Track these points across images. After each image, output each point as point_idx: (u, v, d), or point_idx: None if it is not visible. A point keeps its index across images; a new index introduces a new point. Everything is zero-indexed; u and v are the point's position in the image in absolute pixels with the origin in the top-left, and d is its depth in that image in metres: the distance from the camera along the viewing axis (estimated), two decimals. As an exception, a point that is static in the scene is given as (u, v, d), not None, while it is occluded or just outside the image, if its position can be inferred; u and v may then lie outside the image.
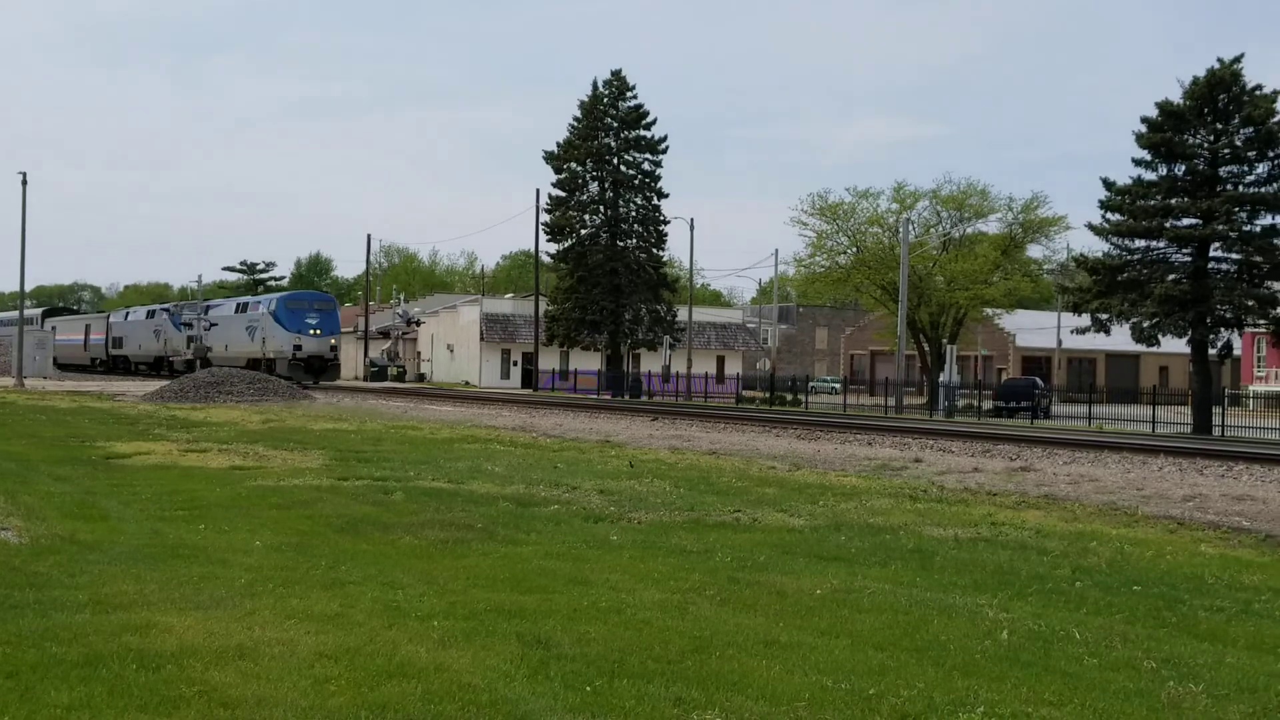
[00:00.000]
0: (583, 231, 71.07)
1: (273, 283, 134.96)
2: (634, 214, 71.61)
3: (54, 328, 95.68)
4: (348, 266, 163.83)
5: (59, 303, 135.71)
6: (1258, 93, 43.81)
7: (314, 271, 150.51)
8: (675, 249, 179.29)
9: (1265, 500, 16.51)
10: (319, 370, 60.94)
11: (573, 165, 71.15)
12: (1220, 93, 44.02)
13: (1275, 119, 43.33)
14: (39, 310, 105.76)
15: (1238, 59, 44.00)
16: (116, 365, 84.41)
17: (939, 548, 12.03)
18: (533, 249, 74.74)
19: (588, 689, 6.63)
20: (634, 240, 71.46)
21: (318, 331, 61.33)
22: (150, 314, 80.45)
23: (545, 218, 71.38)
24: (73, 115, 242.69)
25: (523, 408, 40.48)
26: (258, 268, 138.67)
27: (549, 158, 71.89)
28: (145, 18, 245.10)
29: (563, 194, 71.39)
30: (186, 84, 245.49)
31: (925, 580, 10.22)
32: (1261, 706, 6.69)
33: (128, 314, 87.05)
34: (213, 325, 70.11)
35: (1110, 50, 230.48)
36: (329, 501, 14.67)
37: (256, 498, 14.92)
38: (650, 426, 31.31)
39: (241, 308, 68.42)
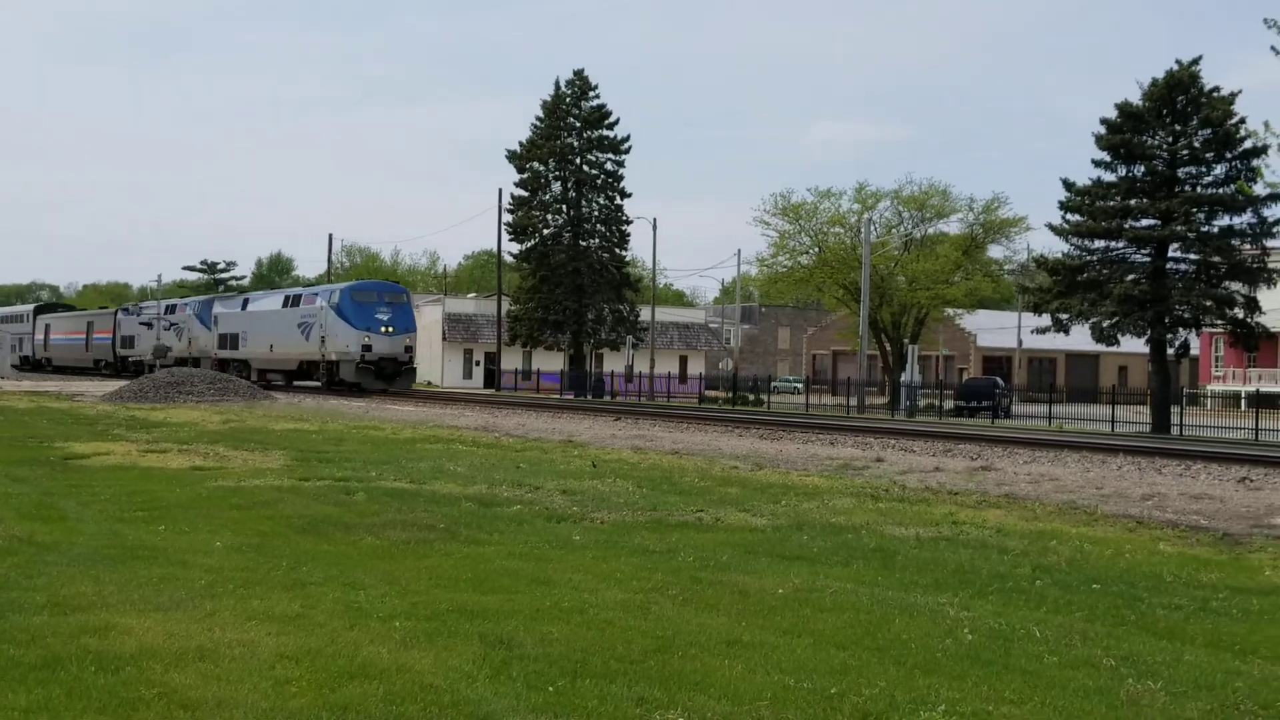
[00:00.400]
0: (545, 231, 71.00)
1: (234, 282, 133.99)
2: (597, 214, 71.62)
3: (47, 326, 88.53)
4: (309, 266, 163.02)
5: (16, 302, 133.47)
6: (1215, 94, 44.23)
7: (275, 271, 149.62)
8: (638, 249, 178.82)
9: (1223, 499, 16.66)
10: (391, 375, 51.27)
11: (535, 165, 71.08)
12: (1179, 94, 44.42)
13: (1232, 120, 43.75)
14: (29, 307, 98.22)
15: (1195, 61, 44.44)
16: (126, 367, 73.58)
17: (901, 547, 12.08)
18: (495, 248, 74.64)
19: (550, 689, 6.63)
20: (597, 240, 71.48)
21: (390, 329, 51.32)
22: (170, 309, 70.74)
23: (508, 217, 71.27)
24: (29, 112, 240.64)
25: (485, 408, 40.42)
26: (218, 267, 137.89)
27: (511, 157, 71.80)
28: (105, 14, 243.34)
29: (525, 194, 71.31)
30: (145, 82, 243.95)
31: (887, 579, 10.26)
32: (1219, 704, 6.75)
33: (141, 309, 75.83)
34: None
35: (1072, 51, 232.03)
36: (290, 502, 14.59)
37: (217, 498, 14.82)
38: (613, 426, 31.31)
39: (292, 300, 57.51)
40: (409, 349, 52.19)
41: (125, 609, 8.35)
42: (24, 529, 11.82)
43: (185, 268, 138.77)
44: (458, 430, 28.93)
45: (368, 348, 50.55)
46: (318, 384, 54.17)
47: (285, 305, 57.46)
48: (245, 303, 62.61)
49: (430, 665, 7.06)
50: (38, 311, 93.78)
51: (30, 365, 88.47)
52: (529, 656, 7.29)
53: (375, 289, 55.16)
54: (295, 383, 56.43)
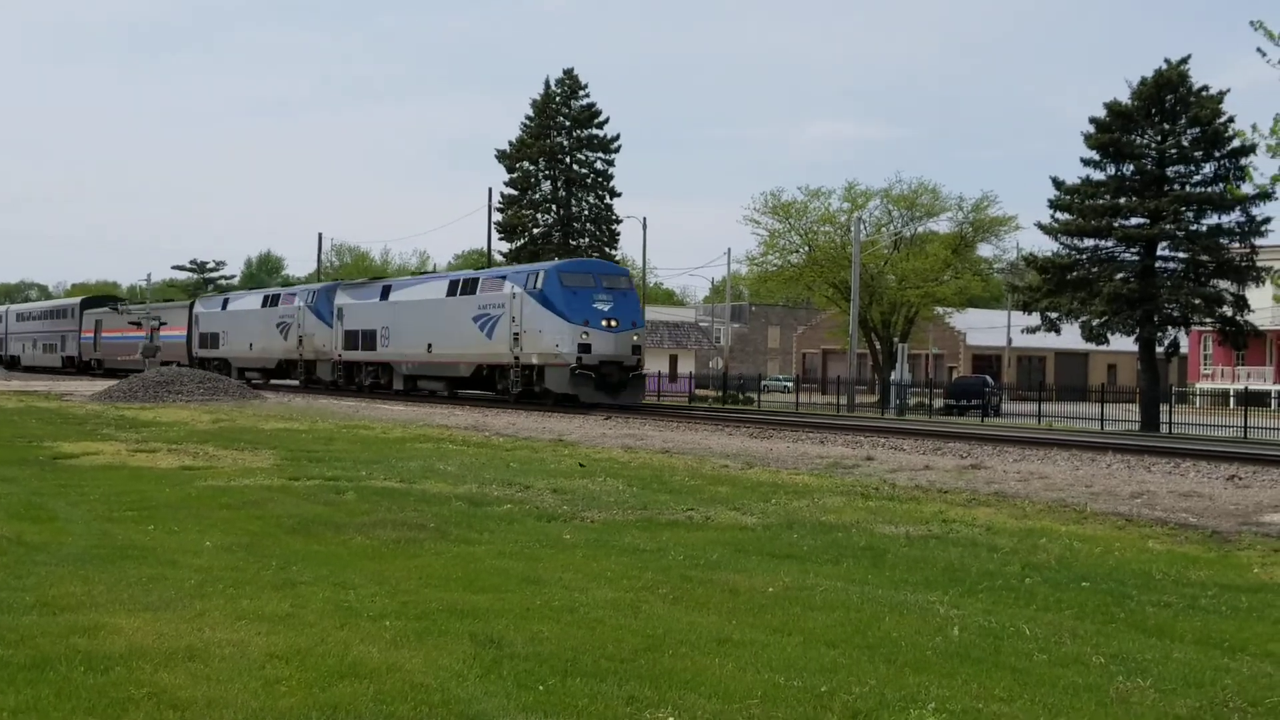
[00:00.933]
0: (535, 230, 70.98)
1: (223, 281, 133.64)
2: (586, 213, 71.64)
3: (97, 322, 76.50)
4: (299, 265, 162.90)
5: (6, 302, 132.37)
6: (1204, 93, 44.33)
7: (264, 270, 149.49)
8: (628, 248, 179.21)
9: (1211, 496, 16.69)
10: (617, 385, 38.66)
11: (525, 164, 71.06)
12: (1167, 93, 44.52)
13: (1221, 119, 43.84)
14: (74, 300, 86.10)
15: (1184, 60, 44.53)
16: (206, 370, 58.96)
17: (890, 545, 12.09)
18: (485, 248, 74.54)
19: (540, 688, 6.63)
20: (587, 239, 71.45)
21: (613, 322, 38.65)
22: (271, 300, 58.41)
23: (498, 216, 71.27)
24: (16, 111, 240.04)
25: (475, 407, 40.35)
26: (207, 266, 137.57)
27: (501, 157, 71.79)
28: (96, 14, 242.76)
29: (515, 193, 71.29)
30: (133, 82, 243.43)
31: (877, 578, 10.27)
32: (1208, 701, 6.77)
33: (226, 300, 64.59)
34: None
35: (1061, 51, 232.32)
36: (280, 501, 14.58)
37: (206, 498, 14.80)
38: (603, 425, 31.29)
39: (464, 286, 44.46)
40: (638, 349, 39.70)
41: (115, 609, 8.34)
42: (12, 529, 11.79)
43: (174, 267, 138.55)
44: (448, 429, 28.90)
45: (585, 347, 38.15)
46: (501, 395, 43.01)
47: (453, 293, 44.78)
48: (386, 290, 49.59)
49: (420, 664, 7.05)
50: (85, 306, 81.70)
51: (76, 367, 78.66)
52: (519, 655, 7.29)
53: (591, 269, 41.74)
54: (461, 392, 46.29)
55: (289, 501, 14.60)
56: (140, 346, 64.15)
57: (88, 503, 14.12)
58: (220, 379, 45.68)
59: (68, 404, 39.37)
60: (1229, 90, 44.62)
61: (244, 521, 12.85)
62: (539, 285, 39.70)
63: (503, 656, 7.26)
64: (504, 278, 42.71)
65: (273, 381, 57.35)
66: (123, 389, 42.98)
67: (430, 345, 45.17)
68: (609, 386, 38.37)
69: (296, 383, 53.99)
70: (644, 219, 71.94)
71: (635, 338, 39.42)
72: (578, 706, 6.34)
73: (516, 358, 40.49)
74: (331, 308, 51.94)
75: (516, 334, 40.36)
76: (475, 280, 44.39)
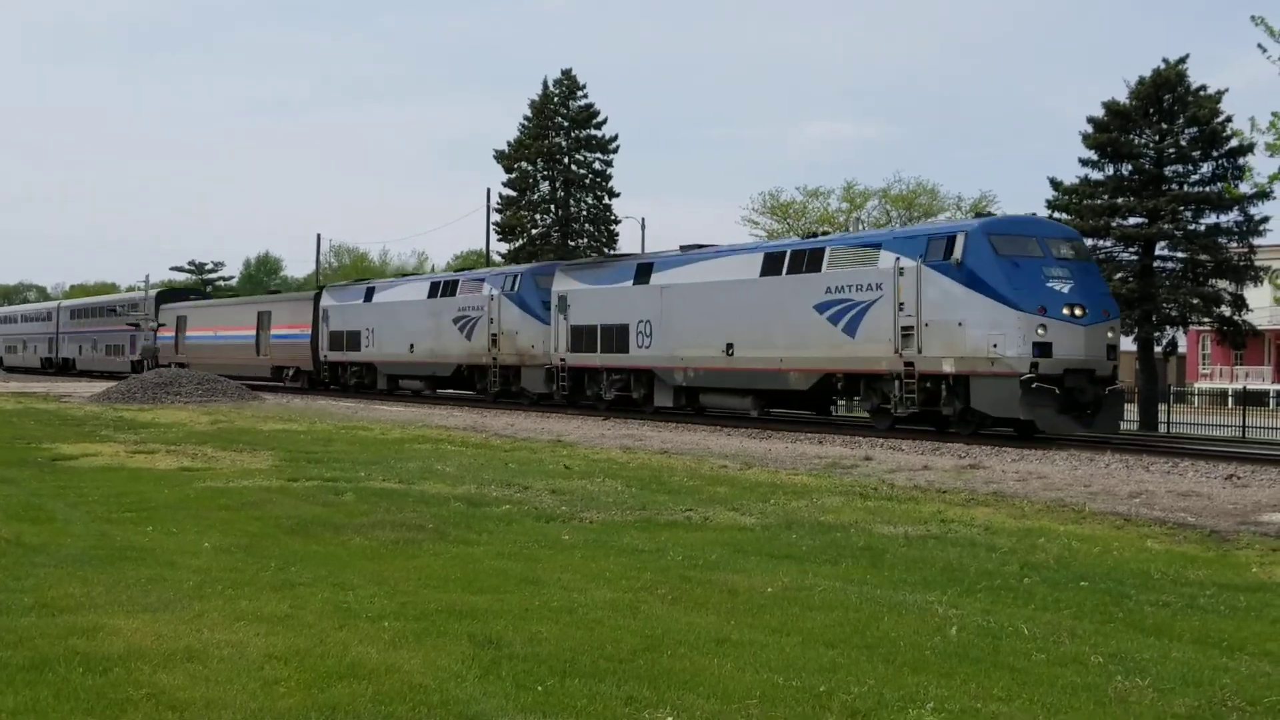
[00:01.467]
0: (534, 231, 70.95)
1: (221, 283, 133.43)
2: (585, 213, 71.62)
3: (180, 319, 64.40)
4: (297, 266, 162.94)
5: (4, 303, 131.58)
6: (1202, 93, 44.31)
7: (263, 271, 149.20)
8: (626, 248, 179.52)
9: (1210, 496, 16.68)
10: (1089, 405, 25.14)
11: (523, 165, 71.02)
12: (1165, 93, 44.48)
13: (1219, 119, 43.85)
14: (150, 293, 72.35)
15: (1183, 60, 44.50)
16: (337, 377, 50.19)
17: (889, 545, 12.09)
18: (484, 248, 74.55)
19: (539, 688, 6.64)
20: (585, 240, 71.43)
21: (1078, 310, 25.18)
22: (445, 288, 44.10)
23: (496, 217, 71.24)
24: (14, 111, 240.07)
25: (474, 408, 40.32)
26: (206, 267, 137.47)
27: (499, 157, 71.75)
28: (95, 14, 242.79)
29: (513, 193, 71.27)
30: (133, 82, 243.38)
31: (875, 578, 10.27)
32: (1206, 700, 6.77)
33: (372, 290, 49.51)
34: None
35: (1060, 51, 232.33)
36: (279, 503, 14.58)
37: (205, 499, 14.81)
38: (602, 426, 31.27)
39: (790, 262, 30.13)
40: (1113, 352, 26.02)
41: (113, 610, 8.35)
42: (12, 530, 11.80)
43: (172, 268, 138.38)
44: (446, 430, 28.89)
45: (1042, 348, 24.80)
46: (871, 417, 29.50)
47: (773, 271, 30.49)
48: (644, 270, 34.94)
49: (419, 665, 7.06)
50: (162, 300, 69.96)
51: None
52: (518, 656, 7.30)
53: (1034, 231, 27.19)
54: (777, 411, 33.82)
55: (288, 502, 14.61)
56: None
57: (86, 504, 14.13)
58: (219, 380, 45.54)
59: (66, 405, 39.36)
60: (1227, 90, 44.69)
61: (243, 522, 12.85)
62: (957, 255, 25.87)
63: (501, 657, 7.26)
64: (877, 245, 28.46)
65: (441, 392, 45.94)
66: (121, 390, 43.01)
67: (730, 346, 31.61)
68: (1075, 406, 25.09)
69: (479, 395, 42.55)
70: (643, 219, 72.18)
71: (1110, 333, 25.99)
72: (576, 707, 6.35)
73: (909, 363, 26.78)
74: (546, 296, 38.31)
75: (907, 328, 26.69)
76: (817, 252, 29.75)
